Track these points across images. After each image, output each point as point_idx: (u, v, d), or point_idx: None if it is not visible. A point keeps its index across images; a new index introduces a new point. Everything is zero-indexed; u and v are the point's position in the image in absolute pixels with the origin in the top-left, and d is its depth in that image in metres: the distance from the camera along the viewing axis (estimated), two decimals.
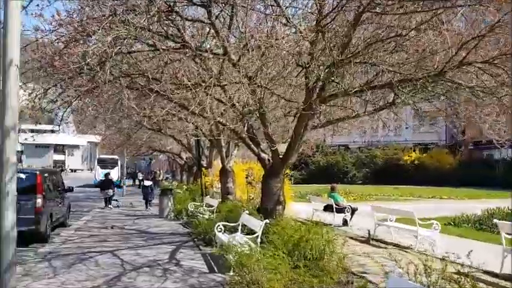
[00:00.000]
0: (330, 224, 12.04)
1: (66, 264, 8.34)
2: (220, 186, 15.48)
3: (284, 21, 7.67)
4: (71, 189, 14.56)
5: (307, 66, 7.97)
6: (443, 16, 7.10)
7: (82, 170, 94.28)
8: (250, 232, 9.22)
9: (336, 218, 13.43)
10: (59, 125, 11.56)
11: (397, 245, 9.94)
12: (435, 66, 7.57)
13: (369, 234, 11.04)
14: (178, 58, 8.86)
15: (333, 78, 8.62)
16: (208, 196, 15.68)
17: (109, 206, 20.25)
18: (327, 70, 7.90)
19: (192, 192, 20.35)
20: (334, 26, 7.63)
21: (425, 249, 8.80)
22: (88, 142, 76.30)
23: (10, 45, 5.00)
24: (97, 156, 45.27)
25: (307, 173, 41.43)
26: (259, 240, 7.74)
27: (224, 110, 11.01)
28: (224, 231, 8.99)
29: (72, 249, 9.86)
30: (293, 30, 7.89)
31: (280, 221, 9.45)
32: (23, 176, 11.27)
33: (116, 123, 15.81)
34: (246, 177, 18.05)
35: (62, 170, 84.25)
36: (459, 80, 7.90)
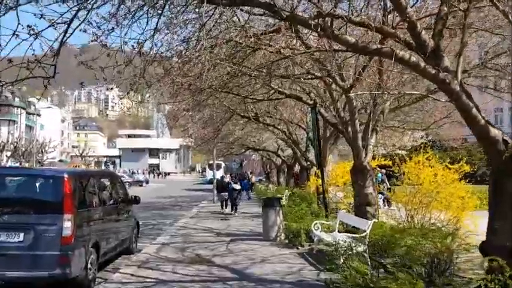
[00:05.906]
0: None
1: None
2: (354, 192, 9.95)
3: None
4: (136, 200, 10.01)
5: None
6: None
7: (176, 173, 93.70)
8: None
9: None
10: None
11: None
12: None
13: None
14: None
15: None
16: (344, 211, 10.10)
17: (224, 209, 18.03)
18: None
19: (302, 200, 15.13)
20: None
21: None
22: (181, 145, 75.27)
23: None
24: (189, 160, 44.88)
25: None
26: None
27: None
28: None
29: None
30: None
31: None
32: (38, 181, 6.72)
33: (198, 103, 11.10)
34: None
35: (162, 174, 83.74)
36: None
